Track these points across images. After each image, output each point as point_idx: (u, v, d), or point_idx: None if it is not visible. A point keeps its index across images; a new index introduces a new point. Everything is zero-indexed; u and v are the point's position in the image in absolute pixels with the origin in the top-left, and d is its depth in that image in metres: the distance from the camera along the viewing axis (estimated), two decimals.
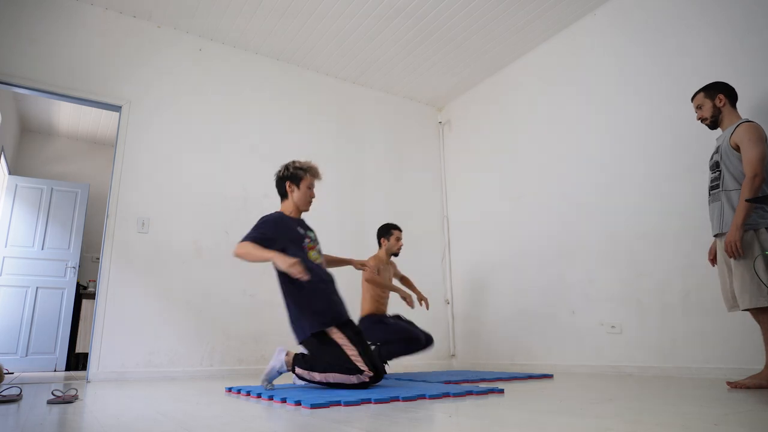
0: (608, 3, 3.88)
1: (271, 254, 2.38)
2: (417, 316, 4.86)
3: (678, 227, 3.22)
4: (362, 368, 2.35)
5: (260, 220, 2.62)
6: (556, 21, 4.11)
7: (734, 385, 2.25)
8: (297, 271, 2.29)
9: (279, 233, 2.55)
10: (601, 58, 3.88)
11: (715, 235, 2.50)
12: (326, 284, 2.55)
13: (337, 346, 2.40)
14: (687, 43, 3.32)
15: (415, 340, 3.53)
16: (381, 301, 3.68)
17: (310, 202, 2.68)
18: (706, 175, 3.09)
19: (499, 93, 4.83)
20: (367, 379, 2.36)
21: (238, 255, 2.45)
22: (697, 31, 3.28)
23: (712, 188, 2.51)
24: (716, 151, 2.50)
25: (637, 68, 3.60)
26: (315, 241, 2.73)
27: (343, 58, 4.66)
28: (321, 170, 2.79)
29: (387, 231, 3.84)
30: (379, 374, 2.42)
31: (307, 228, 2.74)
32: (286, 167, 2.74)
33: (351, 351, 2.38)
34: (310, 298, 2.48)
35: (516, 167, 4.52)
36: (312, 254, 2.62)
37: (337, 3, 3.91)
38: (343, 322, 2.49)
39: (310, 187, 2.67)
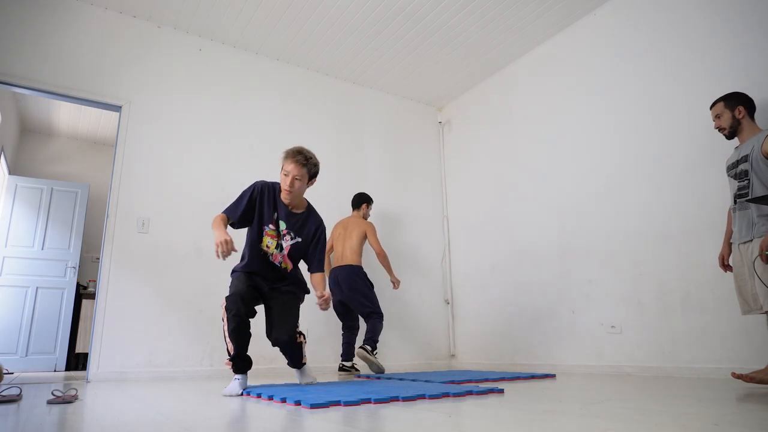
0: (608, 2, 3.88)
1: (215, 229, 2.39)
2: (417, 316, 4.88)
3: (678, 227, 3.22)
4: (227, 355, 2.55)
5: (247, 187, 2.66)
6: (557, 21, 4.11)
7: (744, 378, 2.27)
8: (217, 247, 2.29)
9: (252, 203, 2.57)
10: (601, 58, 3.88)
11: (740, 243, 2.45)
12: (247, 276, 2.55)
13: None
14: (688, 43, 3.32)
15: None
16: None
17: (286, 189, 2.56)
18: (706, 176, 3.10)
19: (499, 93, 4.83)
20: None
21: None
22: (698, 29, 3.28)
23: (738, 196, 2.45)
24: (743, 160, 2.44)
25: (637, 68, 3.60)
26: (280, 234, 2.60)
27: (343, 58, 4.66)
28: (321, 171, 2.74)
29: (370, 199, 4.35)
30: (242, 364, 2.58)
31: (285, 217, 2.61)
32: None
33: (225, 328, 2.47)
34: (233, 277, 2.61)
35: (516, 167, 4.52)
36: (266, 240, 2.57)
37: (337, 3, 3.91)
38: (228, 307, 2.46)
39: (287, 174, 2.55)
